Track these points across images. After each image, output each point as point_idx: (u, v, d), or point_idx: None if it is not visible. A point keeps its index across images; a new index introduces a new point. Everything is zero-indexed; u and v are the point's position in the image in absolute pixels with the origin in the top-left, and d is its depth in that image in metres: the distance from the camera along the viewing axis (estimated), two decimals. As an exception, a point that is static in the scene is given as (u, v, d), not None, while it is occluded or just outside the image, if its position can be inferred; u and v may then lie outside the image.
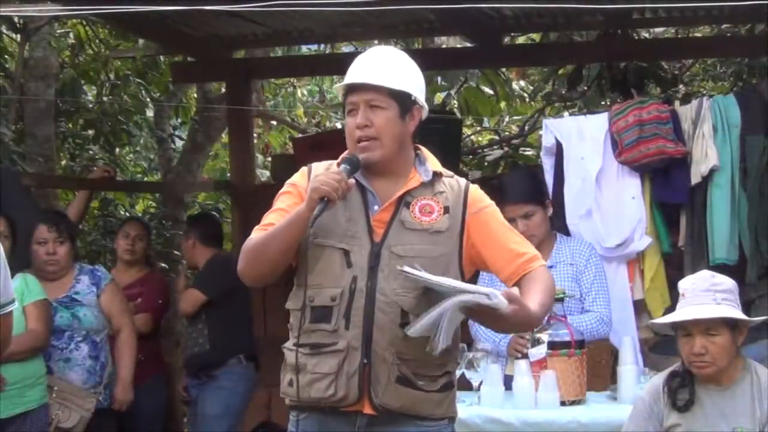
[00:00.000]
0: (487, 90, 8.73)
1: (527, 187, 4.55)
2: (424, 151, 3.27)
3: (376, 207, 3.14)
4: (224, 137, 9.16)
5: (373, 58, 3.19)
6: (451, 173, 3.26)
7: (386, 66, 3.16)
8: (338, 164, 3.14)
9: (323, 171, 3.14)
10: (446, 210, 3.15)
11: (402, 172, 3.18)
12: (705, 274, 3.57)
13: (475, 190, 3.23)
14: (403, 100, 3.14)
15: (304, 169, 3.23)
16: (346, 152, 3.18)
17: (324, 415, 3.13)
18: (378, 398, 3.06)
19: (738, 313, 3.44)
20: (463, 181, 3.25)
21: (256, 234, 3.13)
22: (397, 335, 3.05)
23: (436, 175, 3.21)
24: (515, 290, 3.04)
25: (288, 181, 3.24)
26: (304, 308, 3.12)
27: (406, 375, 3.07)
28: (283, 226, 3.07)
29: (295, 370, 3.11)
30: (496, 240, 3.16)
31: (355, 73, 3.16)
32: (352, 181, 3.07)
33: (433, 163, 3.24)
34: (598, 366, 4.40)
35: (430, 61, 7.38)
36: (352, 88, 3.14)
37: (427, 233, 3.11)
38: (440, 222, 3.13)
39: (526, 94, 10.07)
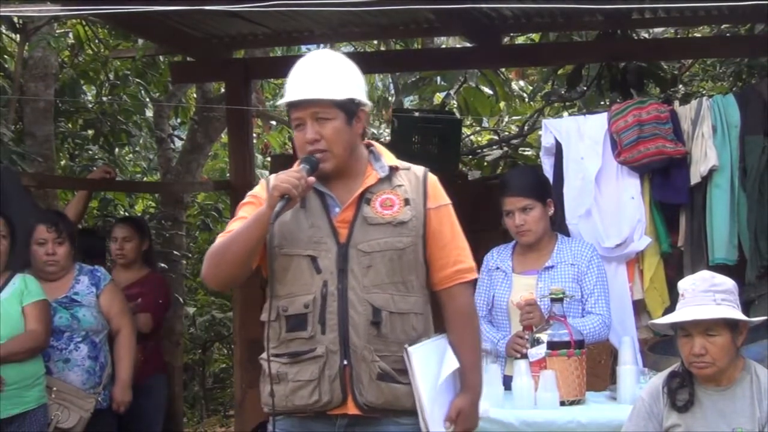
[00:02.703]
0: (487, 90, 8.72)
1: (528, 182, 4.55)
2: (378, 147, 3.31)
3: (336, 209, 3.18)
4: (224, 137, 9.16)
5: (312, 69, 3.19)
6: (407, 165, 3.30)
7: (326, 75, 3.16)
8: (297, 164, 3.17)
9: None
10: (407, 202, 3.20)
11: (357, 173, 3.22)
12: (705, 274, 3.57)
13: (434, 183, 3.28)
14: (349, 107, 3.17)
15: (263, 181, 3.28)
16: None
17: (305, 419, 3.17)
18: (362, 397, 3.11)
19: (738, 314, 3.44)
20: (420, 171, 3.28)
21: (219, 240, 3.16)
22: (372, 333, 3.11)
23: (393, 169, 3.25)
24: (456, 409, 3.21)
25: (249, 193, 3.29)
26: (278, 318, 3.16)
27: (386, 371, 3.12)
28: (244, 227, 3.10)
29: (276, 380, 3.15)
30: (446, 240, 3.24)
31: (297, 88, 3.17)
32: (312, 179, 3.10)
33: (388, 158, 3.27)
34: (597, 366, 4.41)
35: (429, 61, 7.43)
36: (296, 103, 3.16)
37: (391, 226, 3.16)
38: (402, 213, 3.18)
39: (525, 94, 10.07)
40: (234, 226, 3.17)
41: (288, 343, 3.15)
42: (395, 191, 3.20)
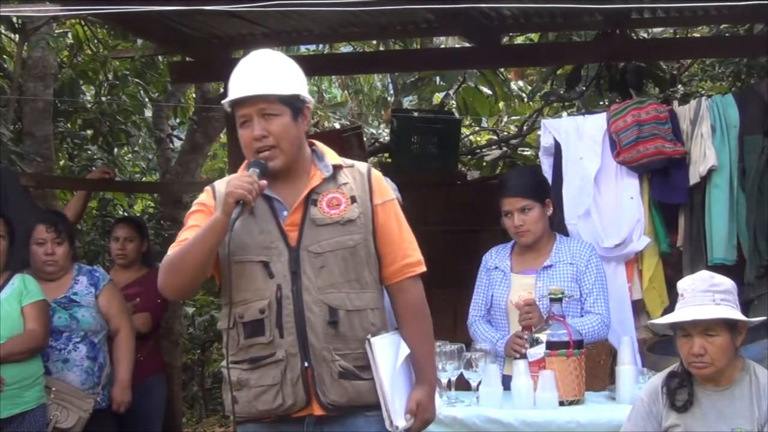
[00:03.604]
0: (486, 90, 8.72)
1: (526, 182, 4.56)
2: (320, 146, 3.31)
3: (285, 212, 3.18)
4: (223, 137, 9.16)
5: (255, 66, 3.20)
6: (351, 162, 3.30)
7: (270, 72, 3.18)
8: (243, 169, 3.17)
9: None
10: (353, 199, 3.20)
11: (302, 173, 3.22)
12: (704, 274, 3.57)
13: (378, 179, 3.29)
14: (294, 103, 3.18)
15: (208, 189, 3.28)
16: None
17: (273, 423, 3.18)
18: (326, 397, 3.13)
19: (737, 314, 3.44)
20: (364, 167, 3.30)
21: (173, 250, 3.16)
22: (330, 333, 3.12)
23: (337, 168, 3.25)
24: (415, 402, 3.23)
25: (195, 201, 3.28)
26: (235, 326, 3.16)
27: (348, 369, 3.14)
28: (199, 235, 3.09)
29: (238, 387, 3.17)
30: (394, 235, 3.25)
31: (242, 85, 3.17)
32: (264, 182, 3.10)
33: (331, 157, 3.28)
34: (596, 366, 4.41)
35: (429, 61, 7.42)
36: (241, 101, 3.16)
37: (339, 225, 3.17)
38: (350, 211, 3.18)
39: (524, 94, 10.07)
40: (186, 235, 3.17)
41: (247, 350, 3.16)
42: (341, 190, 3.21)
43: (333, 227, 3.16)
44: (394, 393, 3.17)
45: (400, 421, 3.18)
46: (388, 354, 3.18)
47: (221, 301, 3.24)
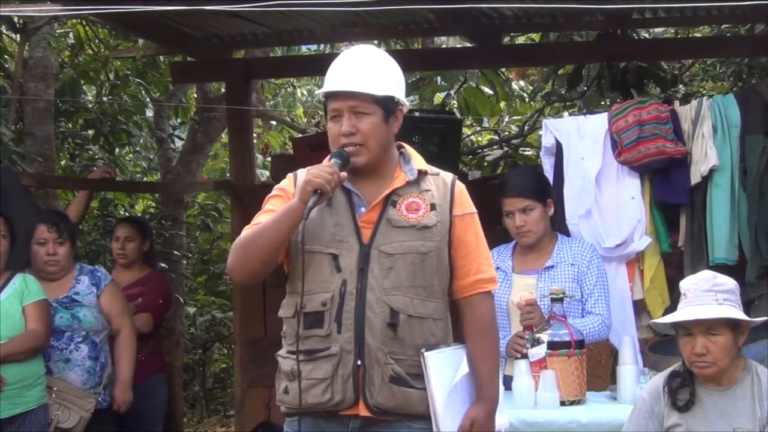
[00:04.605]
0: (487, 90, 8.72)
1: (528, 183, 4.55)
2: (409, 149, 3.29)
3: (362, 209, 3.16)
4: (224, 137, 9.16)
5: (354, 62, 3.17)
6: (437, 170, 3.28)
7: (368, 70, 3.14)
8: (328, 159, 3.15)
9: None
10: (433, 207, 3.18)
11: (387, 173, 3.20)
12: (707, 274, 3.57)
13: (461, 191, 3.26)
14: (387, 104, 3.16)
15: (290, 175, 3.25)
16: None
17: (319, 419, 3.15)
18: (373, 399, 3.08)
19: (740, 314, 3.44)
20: (449, 178, 3.27)
21: (246, 231, 3.14)
22: (388, 335, 3.08)
23: (422, 174, 3.23)
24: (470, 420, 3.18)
25: (276, 186, 3.26)
26: (297, 315, 3.13)
27: (400, 374, 3.10)
28: (274, 219, 3.08)
29: (291, 378, 3.14)
30: (470, 248, 3.22)
31: (337, 79, 3.14)
32: (344, 174, 3.08)
33: (418, 161, 3.25)
34: (597, 366, 4.41)
35: (430, 61, 7.43)
36: (334, 94, 3.14)
37: (415, 229, 3.14)
38: (427, 218, 3.16)
39: (525, 94, 10.07)
40: (261, 219, 3.14)
41: (304, 341, 3.12)
42: (422, 196, 3.18)
43: (408, 231, 3.13)
44: (448, 409, 3.12)
45: None
46: (443, 369, 3.13)
47: (287, 289, 3.20)
